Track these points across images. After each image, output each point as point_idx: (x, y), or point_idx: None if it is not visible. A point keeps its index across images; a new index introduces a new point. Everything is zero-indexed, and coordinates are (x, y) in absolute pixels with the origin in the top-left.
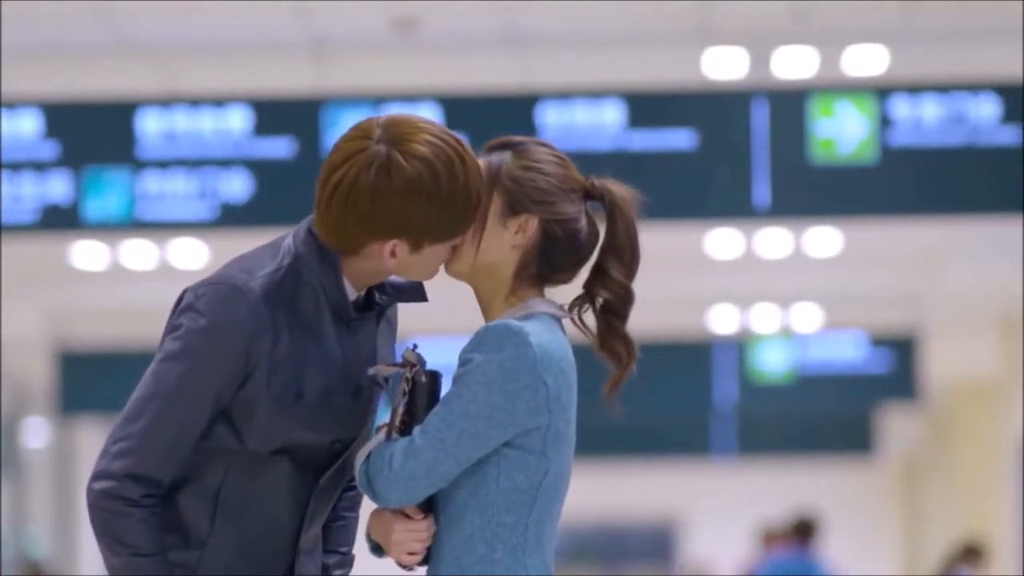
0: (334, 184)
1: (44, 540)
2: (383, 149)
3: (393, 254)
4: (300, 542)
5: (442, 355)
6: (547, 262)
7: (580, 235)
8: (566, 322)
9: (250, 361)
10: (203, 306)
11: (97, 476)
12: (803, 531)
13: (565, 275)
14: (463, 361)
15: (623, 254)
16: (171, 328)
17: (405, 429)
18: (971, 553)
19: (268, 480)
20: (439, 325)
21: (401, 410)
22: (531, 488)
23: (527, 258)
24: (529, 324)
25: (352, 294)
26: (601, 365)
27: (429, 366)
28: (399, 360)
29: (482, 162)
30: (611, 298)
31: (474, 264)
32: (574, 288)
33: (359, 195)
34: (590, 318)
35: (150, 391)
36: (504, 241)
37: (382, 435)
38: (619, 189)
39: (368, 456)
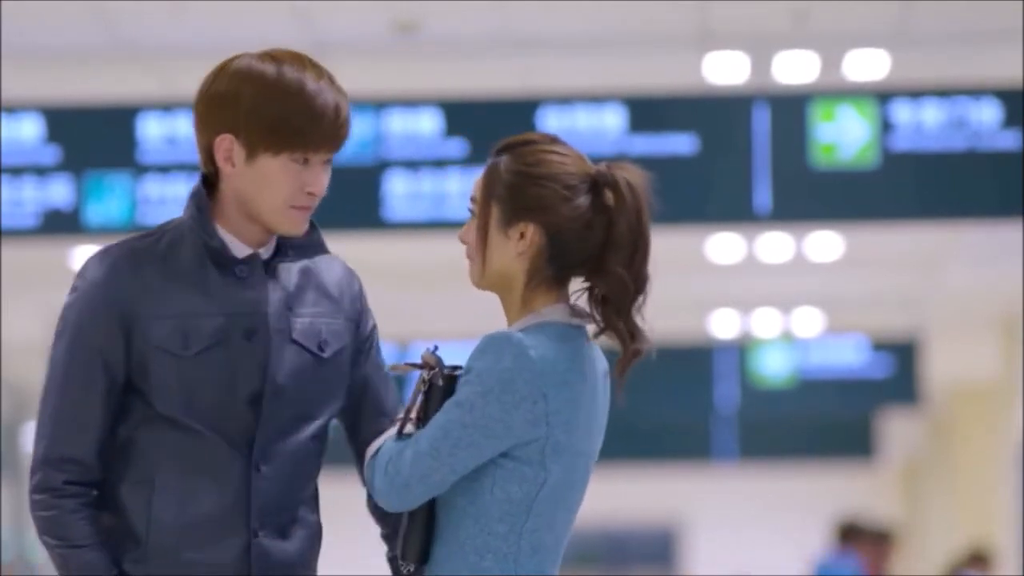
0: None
1: None
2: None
3: (230, 159)
4: (253, 523)
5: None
6: (559, 263)
7: (589, 230)
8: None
9: (124, 319)
10: (75, 281)
11: (29, 475)
12: (846, 534)
13: (580, 270)
14: (466, 369)
15: (621, 242)
16: None
17: (416, 429)
18: (977, 558)
19: (200, 460)
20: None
21: (415, 411)
22: (526, 499)
23: (536, 263)
24: (532, 336)
25: (243, 249)
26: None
27: (448, 369)
28: (418, 360)
29: (486, 167)
30: (606, 290)
31: (485, 274)
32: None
33: (199, 91)
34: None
35: (47, 376)
36: (508, 250)
37: (391, 434)
38: (627, 177)
39: (377, 452)
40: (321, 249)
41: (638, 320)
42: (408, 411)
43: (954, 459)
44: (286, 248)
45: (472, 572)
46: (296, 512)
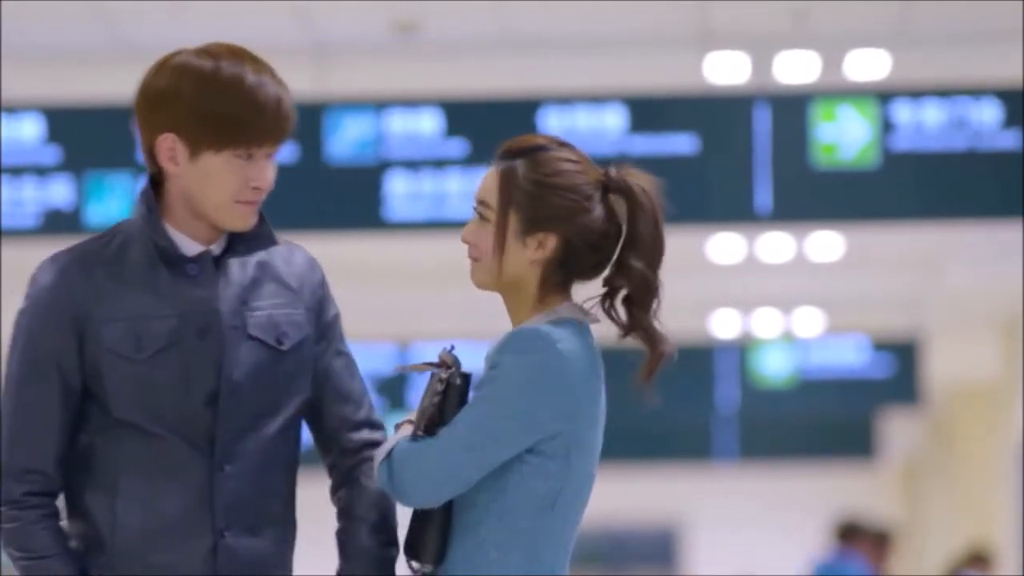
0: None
1: None
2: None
3: (174, 159)
4: (219, 523)
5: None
6: (569, 269)
7: (604, 239)
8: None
9: (76, 323)
10: (27, 288)
11: None
12: (846, 534)
13: (588, 276)
14: (491, 364)
15: (644, 246)
16: None
17: (432, 430)
18: (977, 558)
19: (161, 463)
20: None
21: (432, 410)
22: (550, 494)
23: (548, 270)
24: (557, 329)
25: (194, 247)
26: (616, 368)
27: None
28: (435, 360)
29: (495, 171)
30: (632, 290)
31: (499, 278)
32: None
33: (138, 90)
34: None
35: (3, 386)
36: (524, 257)
37: (403, 432)
38: (639, 180)
39: (389, 454)
40: (270, 240)
41: (656, 323)
42: (425, 411)
43: (954, 459)
44: (236, 243)
45: (494, 571)
46: (267, 509)
